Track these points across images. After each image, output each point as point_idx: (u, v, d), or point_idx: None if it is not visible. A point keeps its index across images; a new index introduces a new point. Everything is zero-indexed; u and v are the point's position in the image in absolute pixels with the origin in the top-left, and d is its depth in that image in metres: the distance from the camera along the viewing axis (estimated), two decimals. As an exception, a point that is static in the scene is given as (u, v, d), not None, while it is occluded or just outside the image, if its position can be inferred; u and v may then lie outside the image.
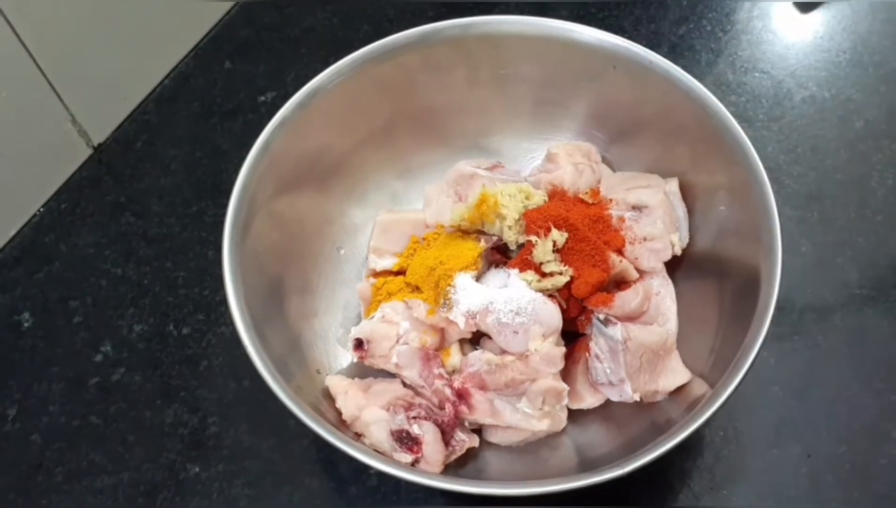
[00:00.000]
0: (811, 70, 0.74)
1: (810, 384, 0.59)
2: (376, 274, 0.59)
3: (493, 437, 0.54)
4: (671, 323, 0.56)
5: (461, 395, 0.52)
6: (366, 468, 0.55)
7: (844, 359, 0.60)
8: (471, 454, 0.53)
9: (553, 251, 0.54)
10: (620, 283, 0.57)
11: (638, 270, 0.56)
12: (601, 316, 0.54)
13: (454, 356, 0.55)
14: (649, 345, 0.53)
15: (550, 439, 0.54)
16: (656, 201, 0.57)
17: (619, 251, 0.56)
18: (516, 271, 0.54)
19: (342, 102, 0.58)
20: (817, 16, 0.79)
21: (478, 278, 0.55)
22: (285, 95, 0.57)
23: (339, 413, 0.52)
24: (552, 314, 0.53)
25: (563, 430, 0.54)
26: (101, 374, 0.61)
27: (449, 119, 0.63)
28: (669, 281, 0.57)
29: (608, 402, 0.55)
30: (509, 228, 0.55)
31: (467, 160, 0.62)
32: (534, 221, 0.55)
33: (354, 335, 0.55)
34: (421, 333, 0.54)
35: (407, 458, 0.50)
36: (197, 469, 0.57)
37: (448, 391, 0.53)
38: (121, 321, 0.64)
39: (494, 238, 0.56)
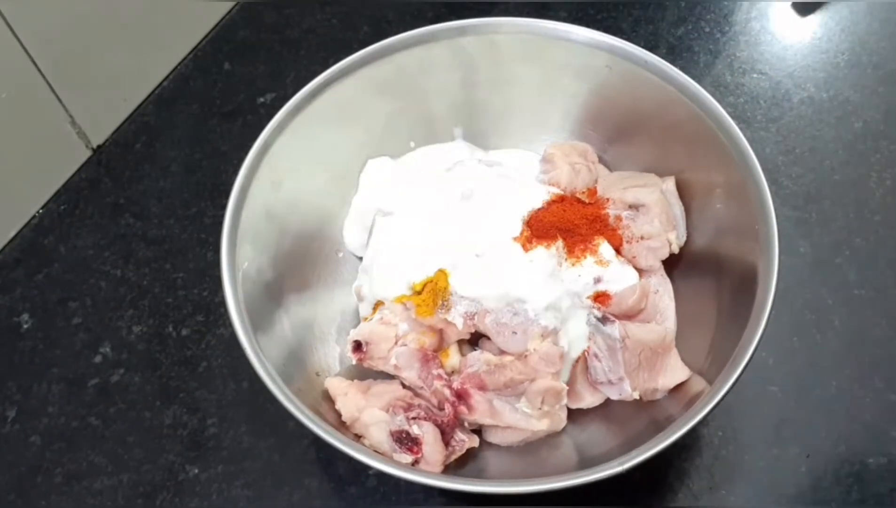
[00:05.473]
0: (809, 71, 0.74)
1: (810, 384, 0.59)
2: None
3: (493, 437, 0.54)
4: (670, 321, 0.56)
5: (460, 395, 0.52)
6: (365, 468, 0.55)
7: (844, 359, 0.60)
8: (470, 454, 0.53)
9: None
10: (618, 282, 0.57)
11: (636, 268, 0.56)
12: (599, 314, 0.54)
13: (453, 357, 0.55)
14: (648, 343, 0.53)
15: (550, 438, 0.54)
16: (653, 199, 0.57)
17: (617, 250, 0.56)
18: (515, 271, 0.54)
19: (341, 104, 0.58)
20: (815, 17, 0.79)
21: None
22: (285, 96, 0.57)
23: (339, 415, 0.52)
24: (550, 314, 0.52)
25: (563, 429, 0.54)
26: (101, 375, 0.61)
27: (447, 120, 0.64)
28: (667, 279, 0.57)
29: (608, 401, 0.55)
30: None
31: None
32: (534, 223, 0.55)
33: (353, 336, 0.55)
34: (419, 334, 0.54)
35: (407, 458, 0.50)
36: (196, 470, 0.57)
37: (447, 392, 0.52)
38: (120, 322, 0.64)
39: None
